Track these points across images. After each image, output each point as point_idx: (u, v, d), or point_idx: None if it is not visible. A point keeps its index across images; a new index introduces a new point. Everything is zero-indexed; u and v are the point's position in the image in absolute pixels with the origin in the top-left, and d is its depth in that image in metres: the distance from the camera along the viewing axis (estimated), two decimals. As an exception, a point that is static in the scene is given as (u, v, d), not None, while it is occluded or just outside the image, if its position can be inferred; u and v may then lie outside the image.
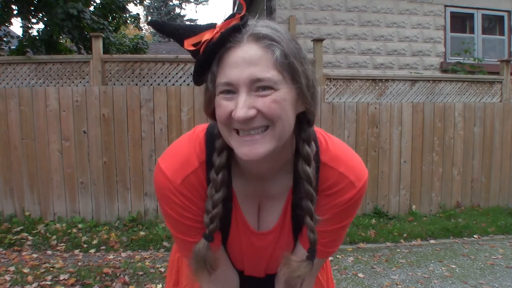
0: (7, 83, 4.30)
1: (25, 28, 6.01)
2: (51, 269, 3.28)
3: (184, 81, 4.49)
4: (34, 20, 6.11)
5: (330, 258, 1.08)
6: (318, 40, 4.84)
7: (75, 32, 5.59)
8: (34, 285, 2.98)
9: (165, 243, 3.93)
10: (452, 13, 7.35)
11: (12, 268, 3.24)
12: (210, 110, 0.79)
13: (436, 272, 3.45)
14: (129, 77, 4.42)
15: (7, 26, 5.98)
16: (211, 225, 0.83)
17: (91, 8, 6.48)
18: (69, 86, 4.31)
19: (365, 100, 4.88)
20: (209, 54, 0.73)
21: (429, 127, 5.00)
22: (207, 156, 0.85)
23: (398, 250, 4.00)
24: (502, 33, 7.72)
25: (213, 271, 0.87)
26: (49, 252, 3.72)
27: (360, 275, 3.36)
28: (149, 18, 25.47)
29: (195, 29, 0.74)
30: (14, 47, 5.82)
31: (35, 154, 4.26)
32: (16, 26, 35.38)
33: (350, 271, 3.45)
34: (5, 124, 4.24)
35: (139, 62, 4.48)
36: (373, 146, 4.85)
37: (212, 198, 0.82)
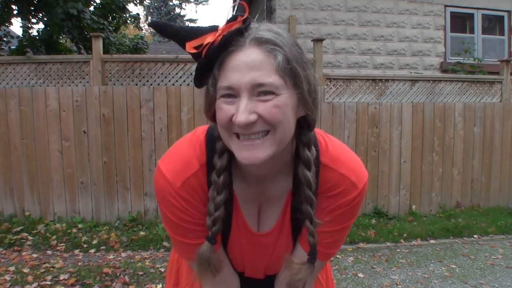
0: (7, 83, 4.30)
1: (25, 28, 6.01)
2: (51, 269, 3.28)
3: (184, 81, 4.49)
4: (34, 20, 6.10)
5: (330, 258, 1.08)
6: (318, 40, 4.84)
7: (75, 32, 5.59)
8: (34, 285, 2.98)
9: (165, 243, 3.93)
10: (452, 13, 7.36)
11: (12, 268, 3.24)
12: (211, 113, 0.78)
13: (436, 272, 3.45)
14: (129, 77, 4.43)
15: (7, 26, 5.98)
16: (214, 228, 0.83)
17: (91, 8, 6.48)
18: (69, 86, 4.31)
19: (365, 100, 4.88)
20: (210, 57, 0.72)
21: (429, 127, 5.00)
22: (208, 158, 0.84)
23: (398, 250, 4.00)
24: (502, 33, 7.72)
25: (217, 272, 0.88)
26: (49, 252, 3.72)
27: (360, 275, 3.36)
28: (149, 18, 25.47)
29: (197, 32, 0.74)
30: (14, 47, 5.82)
31: (35, 154, 4.26)
32: (16, 26, 35.40)
33: (350, 271, 3.45)
34: (5, 124, 4.24)
35: (139, 62, 4.48)
36: (373, 146, 4.85)
37: (214, 201, 0.82)
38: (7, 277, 3.07)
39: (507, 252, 3.91)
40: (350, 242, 4.11)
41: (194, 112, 4.40)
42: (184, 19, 26.87)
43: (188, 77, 4.49)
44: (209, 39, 0.72)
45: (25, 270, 3.20)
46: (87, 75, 4.36)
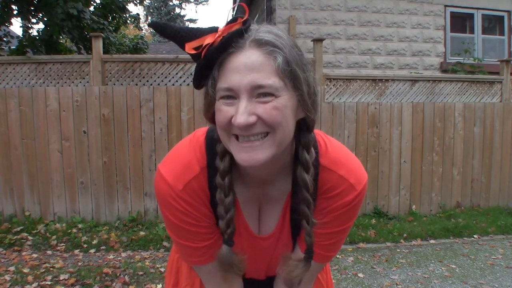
0: (7, 83, 4.30)
1: (25, 28, 6.01)
2: (51, 269, 3.28)
3: (184, 81, 4.49)
4: (34, 20, 6.11)
5: (330, 261, 1.09)
6: (318, 40, 4.84)
7: (75, 32, 5.59)
8: (34, 285, 2.98)
9: (165, 243, 3.93)
10: (452, 13, 7.35)
11: (12, 268, 3.24)
12: (210, 115, 0.78)
13: (436, 272, 3.45)
14: (129, 77, 4.43)
15: (7, 26, 5.98)
16: (229, 229, 0.84)
17: (91, 8, 6.48)
18: (69, 86, 4.31)
19: (365, 100, 4.88)
20: (210, 58, 0.72)
21: (429, 127, 5.00)
22: (208, 160, 0.84)
23: (398, 250, 4.00)
24: (502, 33, 7.72)
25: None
26: (49, 252, 3.72)
27: (360, 275, 3.36)
28: (149, 18, 25.47)
29: (197, 33, 0.74)
30: (14, 47, 5.82)
31: (35, 154, 4.27)
32: (16, 26, 35.41)
33: (350, 271, 3.45)
34: (5, 124, 4.24)
35: (139, 62, 4.48)
36: (373, 146, 4.85)
37: (223, 203, 0.82)
38: (7, 277, 3.08)
39: (507, 252, 3.91)
40: (350, 242, 4.11)
41: (194, 112, 4.40)
42: (184, 19, 26.86)
43: (188, 77, 4.49)
44: (208, 40, 0.72)
45: (25, 270, 3.20)
46: (87, 75, 4.36)
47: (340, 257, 3.74)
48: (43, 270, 3.25)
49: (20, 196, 4.29)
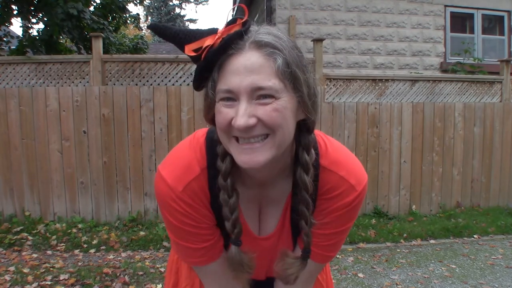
0: (7, 83, 4.30)
1: (25, 28, 6.01)
2: (51, 269, 3.28)
3: (184, 81, 4.49)
4: (34, 20, 6.11)
5: (330, 261, 1.09)
6: (318, 40, 4.84)
7: (75, 32, 5.59)
8: (34, 285, 2.98)
9: (165, 243, 3.93)
10: (452, 13, 7.36)
11: (12, 268, 3.24)
12: (210, 116, 0.78)
13: (436, 272, 3.45)
14: (129, 77, 4.43)
15: (7, 26, 5.98)
16: (235, 230, 0.84)
17: (91, 8, 6.48)
18: (69, 86, 4.32)
19: (365, 100, 4.88)
20: (210, 60, 0.72)
21: (429, 127, 5.00)
22: (208, 161, 0.84)
23: (398, 250, 4.00)
24: (502, 33, 7.72)
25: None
26: (49, 252, 3.72)
27: (360, 275, 3.36)
28: (149, 18, 25.46)
29: (196, 34, 0.74)
30: (14, 47, 5.83)
31: (35, 154, 4.27)
32: (16, 26, 35.42)
33: (350, 271, 3.45)
34: (5, 124, 4.24)
35: (139, 62, 4.48)
36: (373, 146, 4.85)
37: (228, 205, 0.82)
38: (7, 277, 3.08)
39: (507, 252, 3.91)
40: (350, 242, 4.11)
41: (194, 112, 4.40)
42: (184, 19, 26.85)
43: (188, 77, 4.49)
44: (208, 42, 0.72)
45: (25, 270, 3.20)
46: (87, 75, 4.36)
47: (340, 257, 3.74)
48: (43, 270, 3.25)
49: (20, 196, 4.29)
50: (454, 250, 4.00)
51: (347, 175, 0.86)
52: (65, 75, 4.34)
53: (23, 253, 3.65)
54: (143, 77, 4.44)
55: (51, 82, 4.33)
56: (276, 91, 0.70)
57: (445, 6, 7.25)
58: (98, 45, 4.35)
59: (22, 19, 5.90)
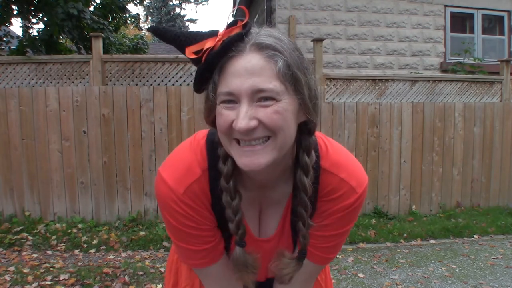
0: (7, 83, 4.30)
1: (25, 28, 6.01)
2: (51, 269, 3.28)
3: (184, 81, 4.49)
4: (34, 20, 6.11)
5: (329, 263, 1.09)
6: (318, 40, 4.84)
7: (75, 32, 5.59)
8: (34, 285, 2.98)
9: (165, 243, 3.93)
10: (452, 13, 7.36)
11: (12, 268, 3.24)
12: (211, 119, 0.78)
13: (436, 272, 3.45)
14: (129, 77, 4.43)
15: (7, 26, 5.98)
16: (239, 231, 0.84)
17: (91, 8, 6.48)
18: (69, 86, 4.31)
19: (365, 100, 4.88)
20: (210, 62, 0.72)
21: (429, 127, 5.00)
22: (209, 163, 0.84)
23: (398, 250, 4.00)
24: (502, 33, 7.72)
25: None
26: (49, 252, 3.72)
27: (360, 275, 3.36)
28: (149, 18, 25.45)
29: (197, 37, 0.74)
30: (14, 47, 5.82)
31: (35, 154, 4.27)
32: (16, 26, 35.42)
33: (350, 271, 3.45)
34: (5, 124, 4.24)
35: (139, 62, 4.48)
36: (373, 146, 4.85)
37: (230, 206, 0.82)
38: (7, 277, 3.08)
39: (507, 252, 3.91)
40: (350, 242, 4.11)
41: (194, 112, 4.40)
42: (184, 19, 26.85)
43: (188, 77, 4.49)
44: (209, 44, 0.72)
45: (25, 270, 3.20)
46: (87, 75, 4.36)
47: (340, 257, 3.74)
48: (43, 270, 3.25)
49: (20, 196, 4.29)
50: (454, 250, 4.00)
51: (348, 177, 0.86)
52: (65, 75, 4.34)
53: (23, 253, 3.65)
54: (143, 77, 4.44)
55: (51, 82, 4.33)
56: (277, 93, 0.70)
57: (445, 6, 7.25)
58: (98, 45, 4.35)
59: (22, 19, 5.90)
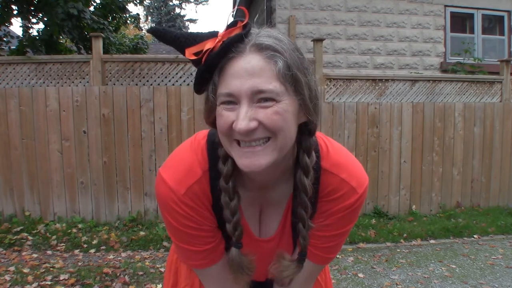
0: (7, 83, 4.30)
1: (25, 28, 6.01)
2: (51, 269, 3.28)
3: (184, 81, 4.49)
4: (34, 20, 6.11)
5: (329, 263, 1.09)
6: (318, 40, 4.84)
7: (75, 32, 5.59)
8: (34, 285, 2.98)
9: (165, 243, 3.93)
10: (452, 13, 7.36)
11: (12, 268, 3.24)
12: (211, 120, 0.78)
13: (436, 272, 3.45)
14: (129, 77, 4.43)
15: (7, 26, 5.98)
16: (236, 232, 0.84)
17: (91, 8, 6.48)
18: (69, 86, 4.31)
19: (365, 100, 4.88)
20: (210, 64, 0.72)
21: (429, 127, 5.00)
22: (210, 164, 0.84)
23: (398, 250, 4.00)
24: (502, 33, 7.72)
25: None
26: (49, 252, 3.72)
27: (360, 275, 3.36)
28: (149, 18, 25.45)
29: (197, 38, 0.73)
30: (14, 47, 5.82)
31: (35, 154, 4.27)
32: (16, 26, 35.43)
33: (350, 271, 3.45)
34: (5, 124, 4.24)
35: (139, 62, 4.48)
36: (373, 146, 4.85)
37: (229, 207, 0.82)
38: (7, 277, 3.08)
39: (507, 252, 3.91)
40: (350, 242, 4.11)
41: (194, 112, 4.40)
42: (184, 19, 26.84)
43: (188, 77, 4.49)
44: (208, 45, 0.72)
45: (25, 270, 3.20)
46: (87, 75, 4.36)
47: (340, 257, 3.74)
48: (43, 270, 3.25)
49: (20, 196, 4.29)
50: (454, 250, 4.00)
51: (348, 177, 0.86)
52: (65, 75, 4.34)
53: (23, 253, 3.65)
54: (143, 77, 4.43)
55: (51, 82, 4.33)
56: (277, 94, 0.70)
57: (445, 6, 7.25)
58: (98, 45, 4.35)
59: (22, 19, 5.90)
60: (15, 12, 5.76)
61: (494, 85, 5.30)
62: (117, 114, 4.32)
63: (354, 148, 4.77)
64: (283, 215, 0.92)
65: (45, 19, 5.74)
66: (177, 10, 26.65)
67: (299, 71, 0.73)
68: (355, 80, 4.89)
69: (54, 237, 3.94)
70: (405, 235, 4.32)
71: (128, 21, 8.28)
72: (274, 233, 0.93)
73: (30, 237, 3.93)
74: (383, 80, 4.98)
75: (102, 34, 4.64)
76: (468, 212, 5.00)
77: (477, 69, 6.40)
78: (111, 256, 3.64)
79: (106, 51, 5.64)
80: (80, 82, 4.35)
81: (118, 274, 3.23)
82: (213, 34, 0.73)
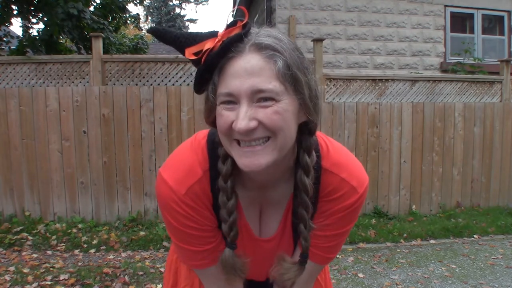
0: (7, 83, 4.30)
1: (25, 28, 6.01)
2: (51, 269, 3.28)
3: (184, 81, 4.49)
4: (34, 20, 6.11)
5: (329, 262, 1.09)
6: (318, 40, 4.84)
7: (75, 32, 5.59)
8: (34, 285, 2.98)
9: (165, 243, 3.93)
10: (452, 13, 7.36)
11: (12, 268, 3.24)
12: (211, 119, 0.78)
13: (436, 272, 3.45)
14: (129, 77, 4.43)
15: (7, 26, 5.98)
16: (232, 233, 0.84)
17: (91, 8, 6.48)
18: (69, 86, 4.32)
19: (365, 100, 4.88)
20: (210, 63, 0.72)
21: (429, 127, 5.00)
22: (210, 164, 0.84)
23: (398, 250, 4.00)
24: (502, 33, 7.72)
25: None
26: (49, 252, 3.72)
27: (360, 275, 3.36)
28: (149, 18, 25.44)
29: (196, 38, 0.73)
30: (14, 47, 5.83)
31: (35, 154, 4.27)
32: (16, 26, 35.44)
33: (350, 271, 3.45)
34: (5, 124, 4.24)
35: (139, 62, 4.48)
36: (373, 146, 4.85)
37: (226, 207, 0.82)
38: (7, 277, 3.08)
39: (507, 252, 3.91)
40: (350, 242, 4.11)
41: (194, 112, 4.40)
42: (184, 19, 26.84)
43: (188, 77, 4.49)
44: (208, 45, 0.72)
45: (25, 270, 3.20)
46: (87, 75, 4.36)
47: (340, 257, 3.74)
48: (43, 270, 3.25)
49: (20, 196, 4.29)
50: (454, 250, 4.00)
51: (349, 177, 0.86)
52: (65, 75, 4.34)
53: (23, 253, 3.65)
54: (143, 77, 4.44)
55: (51, 82, 4.33)
56: (276, 93, 0.70)
57: (445, 6, 7.25)
58: (98, 45, 4.35)
59: (22, 19, 5.90)
60: (15, 12, 5.76)
61: (494, 85, 5.30)
62: (117, 114, 4.32)
63: (354, 148, 4.77)
64: (284, 215, 0.92)
65: (45, 19, 5.74)
66: (177, 10, 26.66)
67: (299, 70, 0.72)
68: (355, 80, 4.90)
69: (54, 237, 3.94)
70: (405, 235, 4.32)
71: (128, 21, 8.29)
72: (275, 233, 0.93)
73: (30, 237, 3.93)
74: (383, 80, 4.98)
75: (102, 34, 4.64)
76: (468, 212, 5.00)
77: (477, 69, 6.40)
78: (111, 256, 3.64)
79: (106, 51, 5.64)
80: (80, 82, 4.35)
81: (118, 274, 3.23)
82: (213, 34, 0.73)
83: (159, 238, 3.99)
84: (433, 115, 5.02)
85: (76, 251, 3.75)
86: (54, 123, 4.26)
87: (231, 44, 0.70)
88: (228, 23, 0.73)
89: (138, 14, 8.64)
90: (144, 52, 8.00)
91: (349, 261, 3.66)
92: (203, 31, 0.75)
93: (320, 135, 0.90)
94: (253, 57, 0.70)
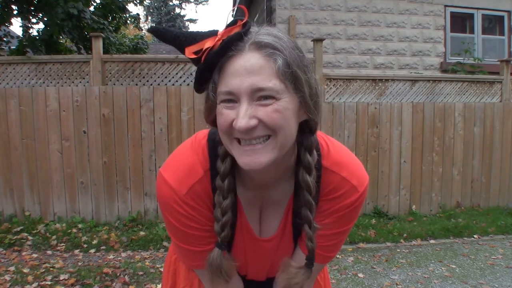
0: (7, 83, 4.30)
1: (25, 28, 6.01)
2: (51, 269, 3.28)
3: (184, 81, 4.49)
4: (34, 20, 6.11)
5: (330, 261, 1.09)
6: (318, 40, 4.84)
7: (75, 32, 5.59)
8: (34, 285, 2.98)
9: (165, 243, 3.93)
10: (452, 13, 7.36)
11: (12, 268, 3.24)
12: (211, 118, 0.78)
13: (436, 272, 3.45)
14: (129, 77, 4.43)
15: (7, 26, 5.98)
16: (223, 233, 0.83)
17: (91, 8, 6.48)
18: (69, 86, 4.31)
19: (365, 100, 4.88)
20: (210, 62, 0.72)
21: (429, 127, 5.00)
22: (211, 163, 0.83)
23: (398, 250, 4.00)
24: (502, 33, 7.72)
25: (230, 278, 0.87)
26: (49, 252, 3.72)
27: (360, 275, 3.36)
28: (149, 18, 25.45)
29: (196, 37, 0.74)
30: (14, 47, 5.83)
31: (35, 154, 4.27)
32: (16, 26, 35.44)
33: (350, 271, 3.45)
34: (5, 124, 4.24)
35: (139, 62, 4.48)
36: (373, 146, 4.85)
37: (220, 206, 0.82)
38: (7, 277, 3.08)
39: (507, 252, 3.91)
40: (350, 242, 4.11)
41: (194, 112, 4.40)
42: (184, 19, 26.85)
43: (188, 77, 4.49)
44: (208, 44, 0.72)
45: (25, 270, 3.20)
46: (87, 75, 4.36)
47: (340, 257, 3.74)
48: (43, 270, 3.25)
49: (20, 196, 4.29)
50: (454, 250, 4.00)
51: (349, 176, 0.86)
52: (65, 75, 4.34)
53: (23, 253, 3.65)
54: (143, 77, 4.44)
55: (51, 82, 4.33)
56: (276, 92, 0.70)
57: (445, 6, 7.25)
58: (98, 45, 4.35)
59: (22, 19, 5.90)
60: (15, 12, 5.76)
61: (494, 85, 5.30)
62: (117, 114, 4.32)
63: (354, 148, 4.77)
64: (284, 215, 0.92)
65: (45, 19, 5.74)
66: (177, 10, 26.67)
67: (299, 68, 0.72)
68: (355, 80, 4.90)
69: (54, 237, 3.94)
70: (405, 235, 4.32)
71: (128, 21, 8.28)
72: (275, 233, 0.93)
73: (30, 237, 3.93)
74: (383, 80, 4.98)
75: (102, 34, 4.64)
76: (468, 212, 5.00)
77: (477, 69, 6.40)
78: (111, 256, 3.64)
79: (106, 51, 5.64)
80: (80, 82, 4.35)
81: (118, 274, 3.23)
82: (213, 33, 0.73)
83: (159, 238, 3.99)
84: (433, 115, 5.02)
85: (76, 251, 3.75)
86: (54, 123, 4.26)
87: (231, 43, 0.70)
88: (228, 22, 0.73)
89: (138, 14, 8.64)
90: (144, 52, 8.00)
91: (349, 261, 3.66)
92: (203, 30, 0.75)
93: (320, 135, 0.90)
94: (253, 55, 0.70)
